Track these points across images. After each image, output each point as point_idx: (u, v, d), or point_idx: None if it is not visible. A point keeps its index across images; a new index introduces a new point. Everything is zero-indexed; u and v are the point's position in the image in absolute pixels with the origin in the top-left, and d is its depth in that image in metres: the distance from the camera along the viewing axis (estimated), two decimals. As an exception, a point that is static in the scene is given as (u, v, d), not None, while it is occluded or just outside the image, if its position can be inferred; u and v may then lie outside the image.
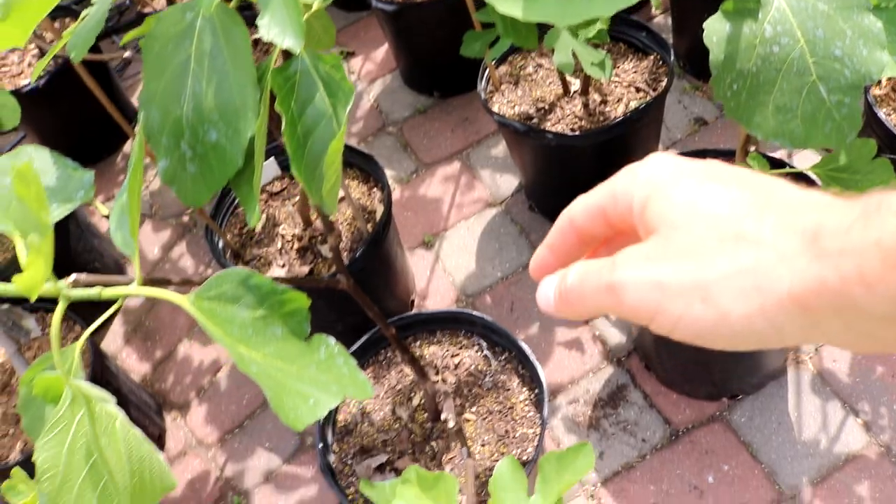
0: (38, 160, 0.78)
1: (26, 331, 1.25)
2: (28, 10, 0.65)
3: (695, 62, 1.82)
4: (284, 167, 1.53)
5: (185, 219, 1.96)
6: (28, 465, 1.33)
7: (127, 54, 1.06)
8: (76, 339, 1.49)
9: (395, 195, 1.80)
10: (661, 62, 1.49)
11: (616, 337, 1.51)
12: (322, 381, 0.59)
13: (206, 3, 0.60)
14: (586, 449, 0.59)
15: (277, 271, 1.36)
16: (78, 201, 0.71)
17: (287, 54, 0.65)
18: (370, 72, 2.09)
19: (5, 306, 1.23)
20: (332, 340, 0.61)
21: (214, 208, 1.49)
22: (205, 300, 0.56)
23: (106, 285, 0.59)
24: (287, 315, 0.59)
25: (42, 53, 2.10)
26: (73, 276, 0.58)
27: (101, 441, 0.55)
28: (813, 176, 1.19)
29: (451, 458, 1.16)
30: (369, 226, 1.40)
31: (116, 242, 0.65)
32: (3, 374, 1.50)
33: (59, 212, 0.70)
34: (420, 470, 0.64)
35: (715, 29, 0.75)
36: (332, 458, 1.19)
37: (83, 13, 0.78)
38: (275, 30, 0.60)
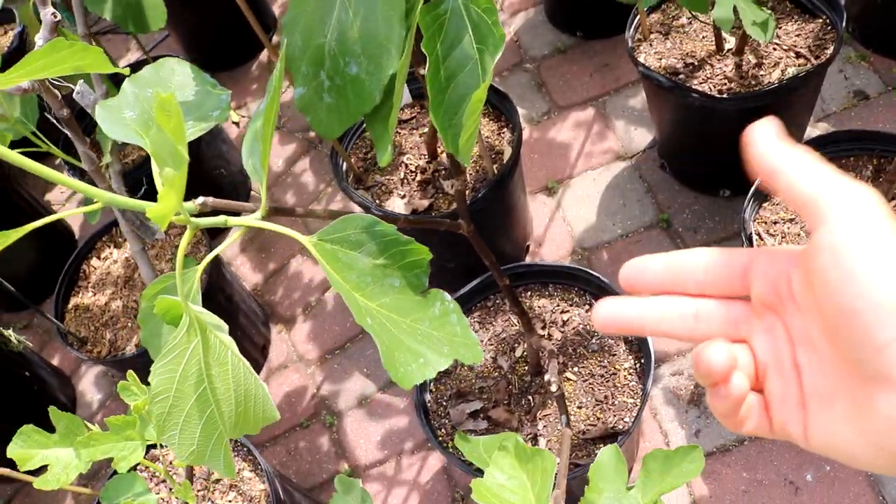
0: (179, 74, 0.77)
1: (152, 231, 1.28)
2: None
3: (866, 28, 1.67)
4: (416, 95, 1.51)
5: (312, 134, 1.97)
6: (142, 359, 1.39)
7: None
8: (197, 244, 1.53)
9: (524, 136, 1.75)
10: (829, 27, 1.37)
11: (734, 313, 1.44)
12: (434, 338, 0.57)
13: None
14: (695, 453, 0.55)
15: (397, 202, 1.35)
16: (213, 121, 0.70)
17: (438, -9, 0.62)
18: (513, 3, 2.02)
19: (135, 204, 1.27)
20: (447, 297, 0.59)
21: (342, 130, 1.48)
22: (327, 243, 0.55)
23: (231, 213, 0.59)
24: (407, 266, 0.57)
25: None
26: (201, 199, 0.57)
27: (212, 370, 0.55)
28: None
29: (545, 416, 1.14)
30: (495, 167, 1.36)
31: (247, 169, 0.64)
32: (128, 268, 1.56)
33: (193, 130, 0.69)
34: (519, 440, 0.62)
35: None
36: (427, 396, 1.19)
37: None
38: (430, -34, 0.57)
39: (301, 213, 0.70)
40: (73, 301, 1.56)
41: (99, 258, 1.60)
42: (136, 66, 1.93)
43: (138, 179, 1.58)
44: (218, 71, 2.23)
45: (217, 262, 1.50)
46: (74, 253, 1.59)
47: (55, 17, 0.92)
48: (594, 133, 1.72)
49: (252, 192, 1.95)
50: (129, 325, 1.47)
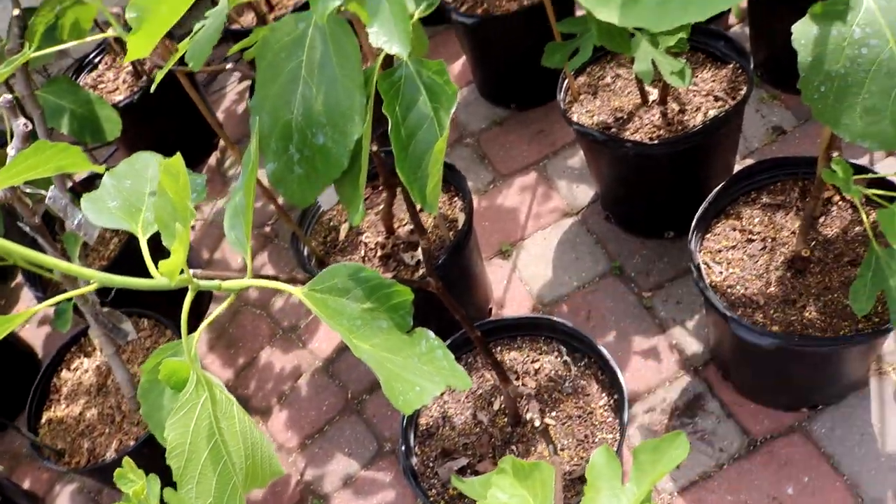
0: (152, 166, 0.83)
1: (124, 333, 1.31)
2: (156, 23, 0.70)
3: (773, 71, 1.81)
4: (370, 176, 1.58)
5: (268, 229, 2.02)
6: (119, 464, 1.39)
7: (228, 66, 1.11)
8: (168, 341, 1.55)
9: (473, 205, 1.83)
10: (739, 71, 1.49)
11: (693, 346, 1.51)
12: (425, 371, 0.61)
13: (319, 13, 0.64)
14: (680, 439, 0.60)
15: (361, 277, 1.40)
16: (193, 201, 0.75)
17: (391, 60, 0.69)
18: (446, 85, 2.13)
19: (105, 309, 1.30)
20: (431, 334, 0.64)
21: (300, 216, 1.54)
22: (317, 292, 0.59)
23: (223, 279, 0.63)
24: (392, 308, 0.62)
25: (136, 72, 2.20)
26: (193, 270, 0.62)
27: (221, 424, 0.58)
28: (899, 183, 1.18)
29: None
30: (451, 234, 1.43)
31: (230, 242, 0.69)
32: (100, 376, 1.57)
33: (175, 211, 0.74)
34: (516, 459, 0.67)
35: (803, 32, 0.76)
36: (413, 460, 1.22)
37: (196, 26, 0.83)
38: (383, 37, 0.64)
39: (283, 278, 0.75)
40: (45, 416, 1.55)
41: (69, 369, 1.60)
42: (90, 179, 1.98)
43: (106, 290, 1.60)
44: (167, 179, 2.27)
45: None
46: (43, 368, 1.59)
47: (27, 126, 0.97)
48: (539, 195, 1.81)
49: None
50: (107, 431, 1.47)
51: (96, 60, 2.36)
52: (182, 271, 0.55)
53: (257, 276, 0.68)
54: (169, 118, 2.20)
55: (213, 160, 2.32)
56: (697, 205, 1.46)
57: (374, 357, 0.59)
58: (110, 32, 1.11)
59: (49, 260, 0.62)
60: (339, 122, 0.70)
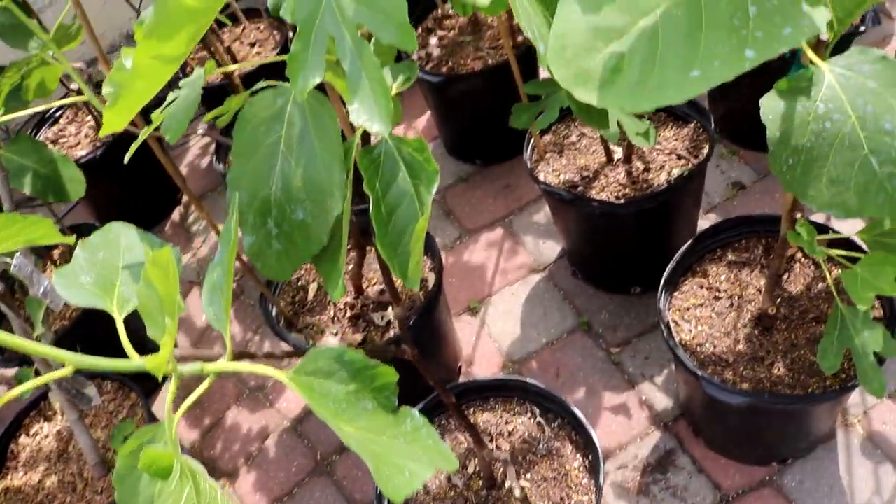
0: (125, 237, 0.82)
1: (87, 398, 1.28)
2: (132, 98, 0.69)
3: (731, 127, 1.85)
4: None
5: (234, 286, 1.99)
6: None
7: (200, 130, 1.11)
8: (132, 406, 1.52)
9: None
10: (701, 129, 1.53)
11: (662, 402, 1.52)
12: (411, 452, 0.61)
13: (299, 90, 0.64)
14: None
15: (331, 340, 1.39)
16: (169, 277, 0.74)
17: (369, 134, 0.69)
18: (411, 141, 2.15)
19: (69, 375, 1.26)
20: (416, 413, 0.63)
21: (267, 276, 1.53)
22: (303, 375, 0.59)
23: (204, 360, 0.62)
24: (377, 389, 0.62)
25: (97, 124, 2.18)
26: (177, 350, 0.61)
27: (204, 512, 0.57)
28: (859, 242, 1.21)
29: (507, 525, 1.16)
30: (421, 293, 1.43)
31: (209, 319, 0.68)
32: (60, 441, 1.53)
33: (151, 287, 0.73)
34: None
35: (770, 107, 0.78)
36: (387, 524, 1.20)
37: (170, 96, 0.83)
38: (364, 115, 0.64)
39: (262, 356, 0.74)
40: (2, 484, 1.50)
41: (28, 435, 1.56)
42: (49, 240, 1.94)
43: (71, 346, 1.57)
44: (129, 235, 2.25)
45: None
46: None
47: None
48: (506, 251, 1.82)
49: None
50: (68, 499, 1.42)
51: (58, 114, 2.33)
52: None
53: (238, 354, 0.67)
54: (132, 173, 2.18)
55: (176, 214, 2.29)
56: (663, 260, 1.48)
57: (360, 440, 0.59)
58: (79, 97, 1.10)
59: (21, 343, 0.60)
60: (318, 198, 0.70)
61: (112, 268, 0.76)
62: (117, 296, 0.72)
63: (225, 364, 0.61)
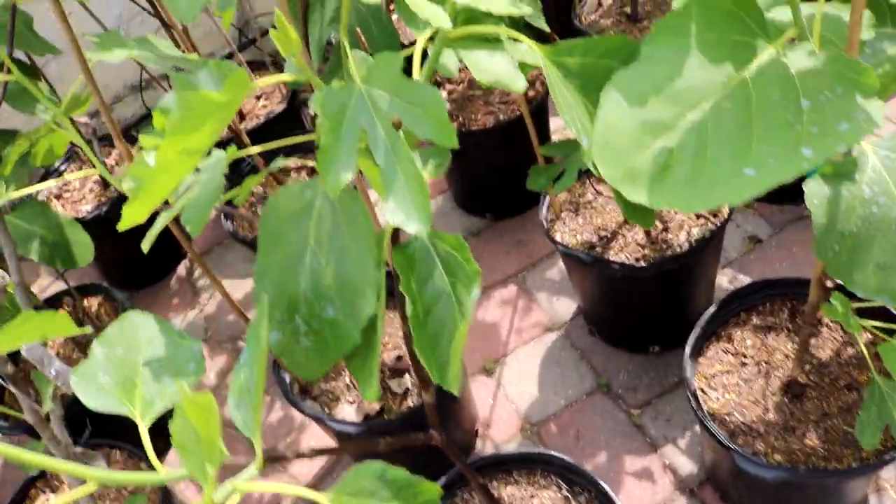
0: (144, 328, 0.79)
1: (96, 473, 1.24)
2: (155, 191, 0.67)
3: (747, 182, 1.83)
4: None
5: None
6: None
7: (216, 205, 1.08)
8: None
9: (452, 319, 1.80)
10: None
11: (687, 466, 1.48)
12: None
13: (331, 187, 0.61)
14: None
15: (347, 408, 1.35)
16: (192, 376, 0.71)
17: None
18: (420, 193, 2.12)
19: (79, 450, 1.23)
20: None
21: (280, 341, 1.49)
22: (344, 496, 0.55)
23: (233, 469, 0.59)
24: (419, 505, 0.58)
25: (103, 181, 2.16)
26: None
27: None
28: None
29: None
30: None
31: (237, 424, 0.64)
32: (67, 513, 1.48)
33: (171, 390, 0.70)
34: None
35: (815, 192, 0.76)
36: None
37: (187, 181, 0.80)
38: (399, 215, 0.61)
39: (292, 455, 0.70)
40: (7, 561, 1.45)
41: (33, 509, 1.51)
42: (56, 298, 1.90)
43: (80, 422, 1.54)
44: (136, 289, 2.22)
45: None
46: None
47: (3, 279, 0.92)
48: (520, 309, 1.79)
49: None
50: (76, 579, 1.37)
51: (62, 168, 2.31)
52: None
53: (268, 457, 0.63)
54: (137, 228, 2.15)
55: (182, 269, 2.26)
56: (682, 319, 1.45)
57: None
58: (91, 171, 1.07)
59: (44, 461, 0.57)
60: (350, 297, 0.67)
61: (132, 365, 0.73)
62: (139, 398, 0.69)
63: (259, 484, 0.57)
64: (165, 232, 1.99)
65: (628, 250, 1.45)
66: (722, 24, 0.62)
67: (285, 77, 0.68)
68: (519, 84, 0.71)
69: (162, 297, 2.18)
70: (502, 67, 0.71)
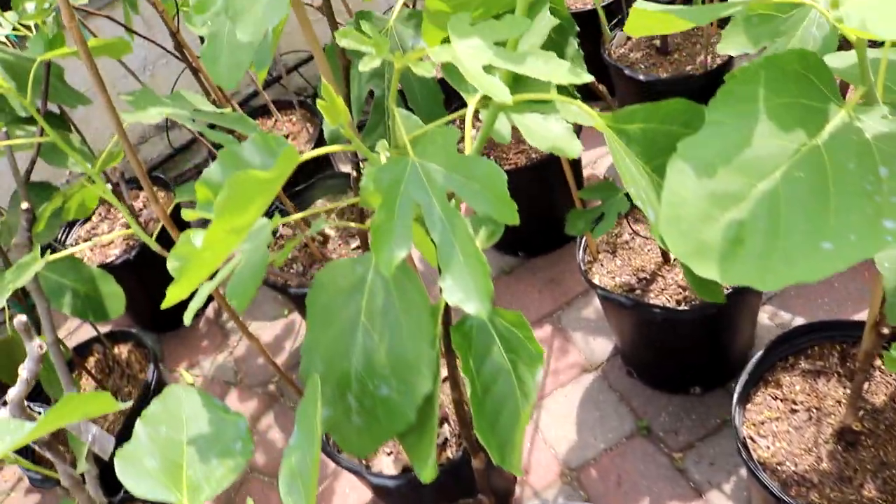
0: (188, 403, 0.76)
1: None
2: (199, 268, 0.65)
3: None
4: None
5: (272, 388, 1.94)
6: None
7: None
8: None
9: (486, 360, 1.77)
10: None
11: (734, 513, 1.43)
12: None
13: (385, 264, 0.59)
14: None
15: (385, 460, 1.32)
16: (240, 457, 0.69)
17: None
18: (449, 230, 2.10)
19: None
20: None
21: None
22: None
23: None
24: None
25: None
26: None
27: None
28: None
29: None
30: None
31: (289, 511, 0.62)
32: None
33: (221, 472, 0.67)
34: None
35: (886, 255, 0.72)
36: None
37: (236, 259, 0.78)
38: (458, 294, 0.59)
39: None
40: None
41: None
42: (86, 346, 1.89)
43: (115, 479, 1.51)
44: (165, 332, 2.21)
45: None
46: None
47: (41, 348, 0.90)
48: (556, 349, 1.75)
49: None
50: None
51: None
52: None
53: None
54: (165, 273, 2.14)
55: (210, 311, 2.25)
56: (724, 359, 1.41)
57: None
58: (126, 230, 1.06)
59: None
60: (405, 375, 0.64)
61: (177, 446, 0.71)
62: (186, 483, 0.67)
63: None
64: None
65: (668, 292, 1.42)
66: (791, 88, 0.59)
67: (335, 148, 0.66)
68: (576, 149, 0.68)
69: (191, 339, 2.16)
70: (557, 131, 0.68)
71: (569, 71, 0.56)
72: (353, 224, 0.80)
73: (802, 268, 0.55)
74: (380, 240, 0.60)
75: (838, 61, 0.77)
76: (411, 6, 1.54)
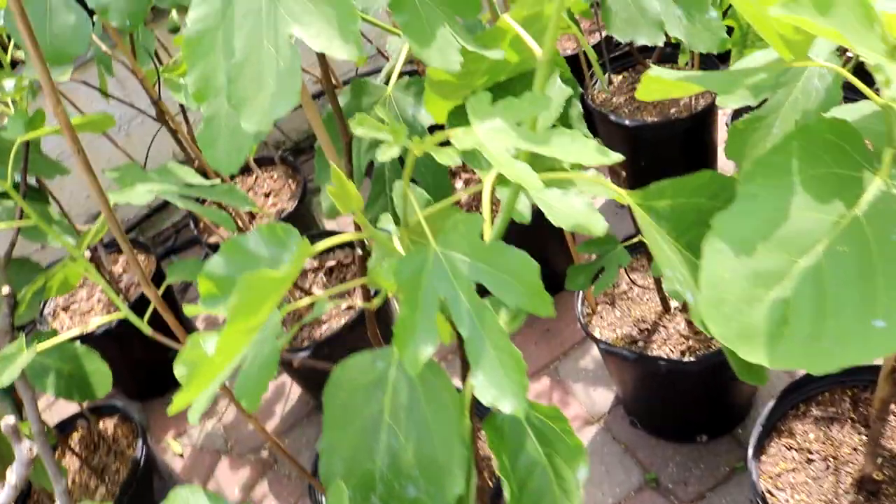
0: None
1: None
2: (208, 374, 0.61)
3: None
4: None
5: (265, 454, 1.88)
6: None
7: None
8: None
9: (485, 417, 1.73)
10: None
11: (751, 566, 1.39)
12: None
13: (410, 363, 0.55)
14: None
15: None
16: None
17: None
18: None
19: None
20: None
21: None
22: None
23: None
24: None
25: (113, 290, 2.09)
26: None
27: None
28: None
29: None
30: (486, 474, 1.32)
31: None
32: None
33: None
34: None
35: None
36: None
37: (248, 355, 0.73)
38: (492, 391, 0.55)
39: None
40: None
41: None
42: (70, 422, 1.82)
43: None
44: (150, 399, 2.14)
45: None
46: None
47: (31, 452, 0.85)
48: (556, 402, 1.72)
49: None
50: None
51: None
52: None
53: None
54: (147, 339, 2.08)
55: (195, 376, 2.18)
56: (730, 405, 1.38)
57: None
58: (116, 315, 1.01)
59: None
60: (435, 476, 0.60)
61: (189, 558, 0.66)
62: None
63: None
64: (171, 333, 1.92)
65: (671, 342, 1.39)
66: (825, 158, 0.57)
67: (348, 237, 0.63)
68: (600, 226, 0.65)
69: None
70: (579, 207, 0.66)
71: (596, 150, 0.54)
72: (359, 304, 0.77)
73: (855, 349, 0.52)
74: (404, 336, 0.56)
75: (850, 114, 0.76)
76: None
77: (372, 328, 0.96)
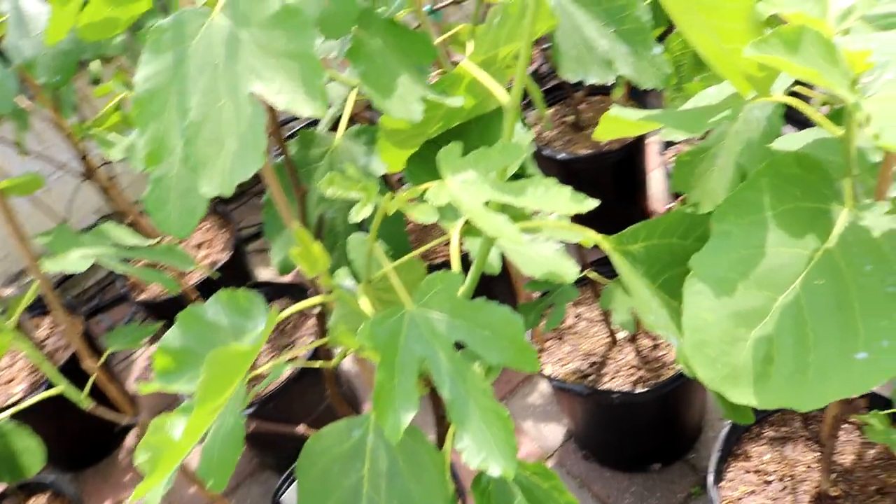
0: None
1: None
2: (173, 458, 0.57)
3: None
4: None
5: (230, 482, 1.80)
6: None
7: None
8: None
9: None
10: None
11: (715, 592, 1.39)
12: None
13: (391, 430, 0.53)
14: None
15: None
16: None
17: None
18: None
19: None
20: None
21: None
22: None
23: None
24: None
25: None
26: None
27: None
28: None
29: None
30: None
31: None
32: None
33: None
34: None
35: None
36: None
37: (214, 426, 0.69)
38: (480, 454, 0.53)
39: None
40: None
41: None
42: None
43: None
44: (82, 468, 2.03)
45: None
46: None
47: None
48: (508, 440, 1.70)
49: None
50: None
51: (-16, 348, 2.13)
52: None
53: None
54: (76, 407, 1.98)
55: (131, 439, 2.09)
56: (682, 432, 1.39)
57: None
58: (55, 390, 0.95)
59: None
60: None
61: None
62: None
63: None
64: (107, 401, 1.85)
65: (622, 374, 1.39)
66: (794, 192, 0.57)
67: (317, 300, 0.60)
68: (572, 273, 0.64)
69: (113, 475, 2.00)
70: (549, 255, 0.64)
71: (571, 199, 0.53)
72: (304, 361, 0.74)
73: (840, 382, 0.52)
74: (383, 403, 0.54)
75: (795, 144, 0.77)
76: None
77: (333, 389, 0.93)
